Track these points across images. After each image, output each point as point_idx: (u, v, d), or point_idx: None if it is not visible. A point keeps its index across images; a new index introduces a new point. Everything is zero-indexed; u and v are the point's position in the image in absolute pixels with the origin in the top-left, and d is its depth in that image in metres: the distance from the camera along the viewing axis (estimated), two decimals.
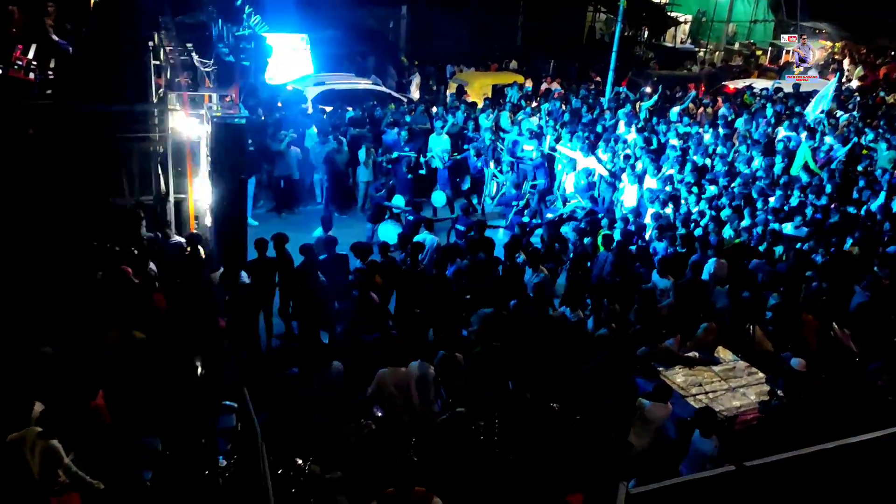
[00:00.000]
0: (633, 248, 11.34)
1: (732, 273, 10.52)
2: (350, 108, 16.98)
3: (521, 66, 24.67)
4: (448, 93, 21.35)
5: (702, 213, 12.54)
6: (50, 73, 10.47)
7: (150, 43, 11.25)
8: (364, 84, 19.48)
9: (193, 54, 12.70)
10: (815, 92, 20.98)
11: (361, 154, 14.65)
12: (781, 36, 30.27)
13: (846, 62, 29.41)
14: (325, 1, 23.40)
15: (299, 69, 15.56)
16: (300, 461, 7.13)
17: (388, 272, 10.06)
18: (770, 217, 12.07)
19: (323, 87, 18.22)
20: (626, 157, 14.77)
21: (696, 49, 31.54)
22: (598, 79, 23.85)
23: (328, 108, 17.15)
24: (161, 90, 11.20)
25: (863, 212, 12.74)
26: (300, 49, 15.60)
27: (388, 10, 25.75)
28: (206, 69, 12.62)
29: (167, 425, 7.54)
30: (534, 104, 19.38)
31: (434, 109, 18.15)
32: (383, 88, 19.77)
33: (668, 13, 32.01)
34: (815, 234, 11.57)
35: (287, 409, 7.73)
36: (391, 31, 25.93)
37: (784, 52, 29.89)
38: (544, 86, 22.61)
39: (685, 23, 33.78)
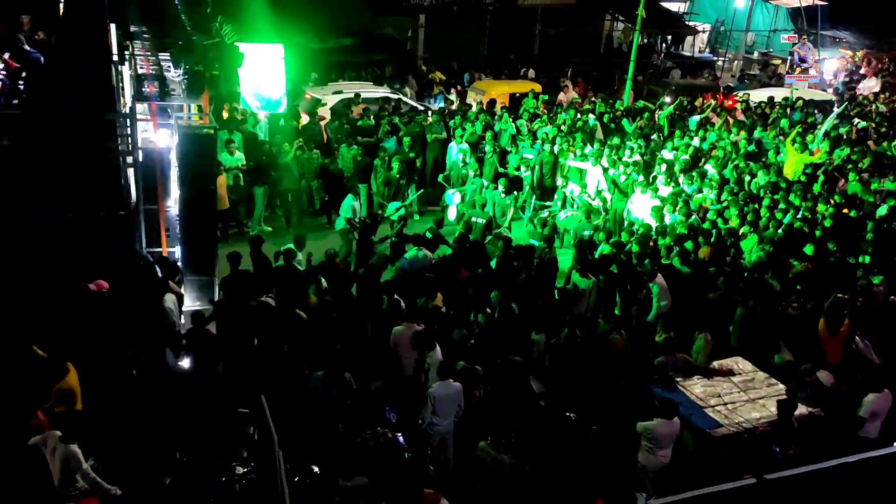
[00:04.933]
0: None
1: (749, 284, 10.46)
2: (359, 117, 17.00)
3: (539, 75, 24.67)
4: (468, 101, 21.38)
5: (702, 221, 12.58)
6: (20, 82, 10.49)
7: (126, 52, 11.29)
8: (381, 93, 19.54)
9: (164, 63, 12.76)
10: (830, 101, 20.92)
11: (377, 163, 14.68)
12: (782, 36, 29.99)
13: (864, 69, 29.10)
14: (343, 10, 23.52)
15: (273, 80, 15.81)
16: (316, 468, 7.15)
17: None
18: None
19: (341, 95, 18.31)
20: (635, 164, 14.72)
21: (715, 58, 31.41)
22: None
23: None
24: (131, 99, 11.18)
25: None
26: (275, 60, 15.73)
27: (406, 19, 25.83)
28: (176, 78, 12.65)
29: (184, 433, 7.58)
30: (550, 113, 19.36)
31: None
32: (400, 97, 19.82)
33: (687, 22, 31.91)
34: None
35: (306, 417, 7.76)
36: (409, 39, 26.00)
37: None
38: (562, 95, 22.59)
39: (703, 32, 33.66)
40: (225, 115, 15.42)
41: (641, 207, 13.41)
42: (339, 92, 18.58)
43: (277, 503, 6.23)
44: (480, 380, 8.49)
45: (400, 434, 7.67)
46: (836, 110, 17.72)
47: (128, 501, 6.84)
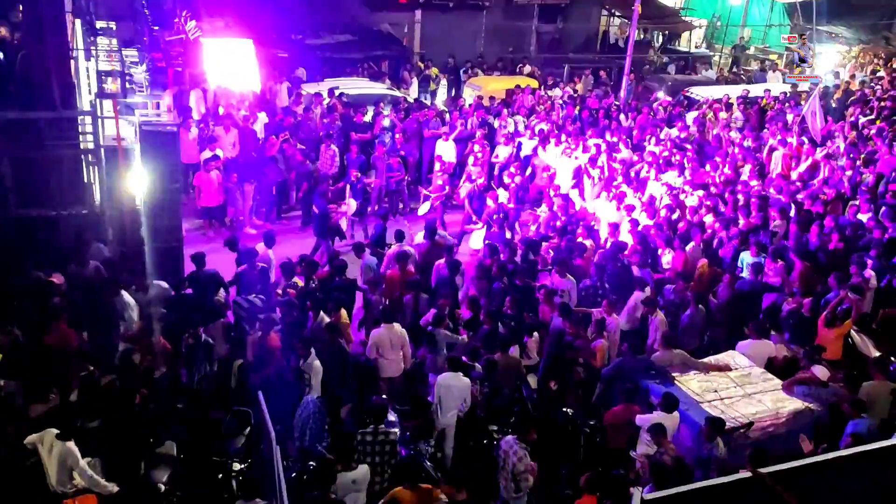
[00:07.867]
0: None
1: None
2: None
3: (535, 71, 24.65)
4: (464, 96, 21.39)
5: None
6: None
7: (93, 49, 11.13)
8: (378, 88, 19.51)
9: (128, 60, 12.68)
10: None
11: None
12: (782, 37, 29.97)
13: (857, 61, 29.07)
14: (340, 6, 23.49)
15: (244, 74, 15.83)
16: (313, 464, 7.15)
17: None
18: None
19: (336, 90, 18.25)
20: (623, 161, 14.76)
21: (711, 53, 31.40)
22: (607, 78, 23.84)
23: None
24: (93, 96, 11.08)
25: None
26: (245, 54, 15.80)
27: (402, 15, 25.83)
28: (139, 75, 12.59)
29: (181, 431, 7.57)
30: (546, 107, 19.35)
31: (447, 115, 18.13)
32: (397, 92, 19.80)
33: (683, 17, 31.90)
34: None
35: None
36: (405, 35, 25.99)
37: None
38: (558, 90, 22.56)
39: (699, 27, 33.64)
40: (221, 110, 15.39)
41: (606, 207, 13.39)
42: (335, 88, 18.54)
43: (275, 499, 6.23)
44: (479, 378, 8.49)
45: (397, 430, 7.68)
46: (808, 101, 17.35)
47: (125, 498, 6.84)
